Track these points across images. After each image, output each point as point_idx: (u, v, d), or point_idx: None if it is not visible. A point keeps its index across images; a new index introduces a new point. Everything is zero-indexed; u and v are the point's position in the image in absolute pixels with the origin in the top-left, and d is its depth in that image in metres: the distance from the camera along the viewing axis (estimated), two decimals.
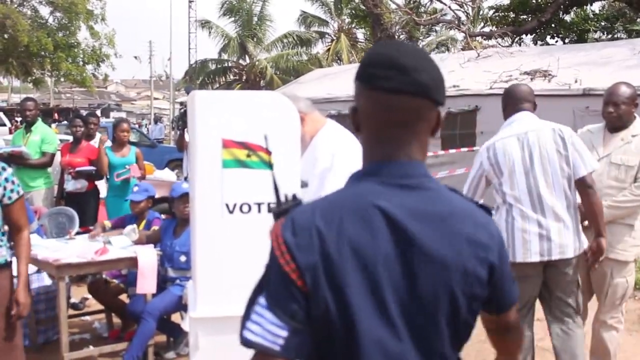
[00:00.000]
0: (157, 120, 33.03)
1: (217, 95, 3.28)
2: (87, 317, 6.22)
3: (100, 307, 6.10)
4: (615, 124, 4.41)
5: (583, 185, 4.01)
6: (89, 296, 6.58)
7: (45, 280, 5.95)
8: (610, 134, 4.45)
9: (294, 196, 1.59)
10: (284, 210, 1.50)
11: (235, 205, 3.04)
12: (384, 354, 1.39)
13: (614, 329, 4.48)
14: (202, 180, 3.04)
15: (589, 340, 4.54)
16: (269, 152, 3.03)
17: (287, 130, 3.05)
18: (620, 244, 4.32)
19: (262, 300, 1.39)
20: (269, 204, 3.05)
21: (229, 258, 3.05)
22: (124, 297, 5.77)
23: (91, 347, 5.27)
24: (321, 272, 1.36)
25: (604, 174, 4.35)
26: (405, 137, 1.47)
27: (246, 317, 1.41)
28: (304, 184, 3.16)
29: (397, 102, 1.44)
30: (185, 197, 5.30)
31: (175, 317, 5.56)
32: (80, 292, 6.79)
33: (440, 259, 1.41)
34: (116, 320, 5.92)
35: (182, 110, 8.77)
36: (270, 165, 3.06)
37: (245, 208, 3.05)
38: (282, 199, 1.58)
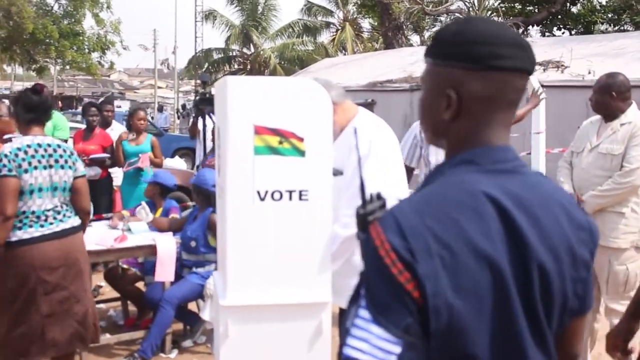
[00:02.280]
0: (161, 108, 32.90)
1: (249, 81, 3.23)
2: (102, 305, 6.19)
3: (114, 294, 6.09)
4: (597, 112, 4.56)
5: None
6: (103, 284, 6.57)
7: None
8: (605, 123, 4.55)
9: (379, 195, 1.51)
10: (371, 211, 1.41)
11: (266, 192, 3.00)
12: None
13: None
14: (234, 167, 2.99)
15: (602, 332, 4.52)
16: (301, 139, 3.01)
17: (320, 118, 3.01)
18: (613, 231, 4.37)
19: (364, 313, 1.21)
20: (300, 192, 3.01)
21: (259, 246, 3.01)
22: (140, 285, 5.75)
23: (107, 335, 5.24)
24: (444, 279, 1.20)
25: (592, 163, 4.51)
26: (509, 119, 1.40)
27: (346, 334, 1.23)
28: (338, 172, 3.13)
29: (519, 81, 1.37)
30: (196, 187, 5.30)
31: (192, 306, 5.54)
32: (94, 280, 6.74)
33: (551, 248, 1.31)
34: (132, 308, 5.90)
35: (198, 98, 8.65)
36: (302, 152, 3.04)
37: (276, 195, 3.01)
38: (367, 197, 1.48)
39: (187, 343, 5.34)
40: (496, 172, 1.34)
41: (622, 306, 4.45)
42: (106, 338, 5.13)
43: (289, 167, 3.00)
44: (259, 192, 3.00)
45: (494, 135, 1.38)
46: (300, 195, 3.02)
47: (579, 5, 22.88)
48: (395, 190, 3.27)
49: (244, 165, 2.98)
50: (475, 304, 1.22)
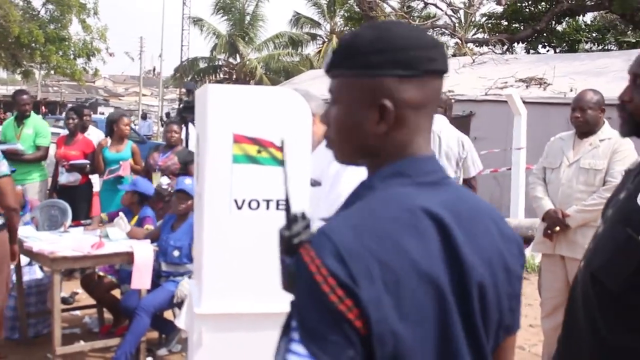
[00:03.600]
0: (145, 116, 32.83)
1: (229, 89, 3.24)
2: (77, 312, 6.14)
3: (90, 301, 6.03)
4: (582, 128, 4.57)
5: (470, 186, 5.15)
6: (79, 290, 6.51)
7: (37, 273, 5.88)
8: (580, 139, 4.62)
9: (304, 214, 1.39)
10: (296, 233, 1.30)
11: (244, 201, 3.01)
12: None
13: None
14: (212, 175, 3.00)
15: None
16: (280, 149, 3.01)
17: (299, 128, 3.02)
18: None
19: (298, 348, 1.08)
20: (277, 202, 3.01)
21: (236, 254, 3.02)
22: (116, 293, 5.71)
23: (82, 342, 5.19)
24: (388, 305, 1.10)
25: (573, 179, 4.55)
26: (431, 125, 1.32)
27: None
28: (316, 183, 3.13)
29: (440, 84, 1.29)
30: (180, 193, 5.26)
31: (167, 314, 5.51)
32: (70, 287, 6.71)
33: (488, 263, 1.24)
34: (107, 315, 5.85)
35: (182, 107, 8.64)
36: (281, 162, 3.03)
37: (254, 204, 3.01)
38: (291, 217, 1.35)
39: (162, 351, 5.29)
40: (428, 184, 1.26)
41: None
42: (80, 345, 5.09)
43: (267, 176, 3.01)
44: (236, 201, 3.00)
45: (422, 144, 1.29)
46: (278, 204, 3.02)
47: (564, 23, 23.10)
48: None
49: (222, 173, 2.99)
50: (420, 328, 1.13)
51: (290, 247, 1.28)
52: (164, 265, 5.17)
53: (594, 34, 23.35)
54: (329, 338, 1.08)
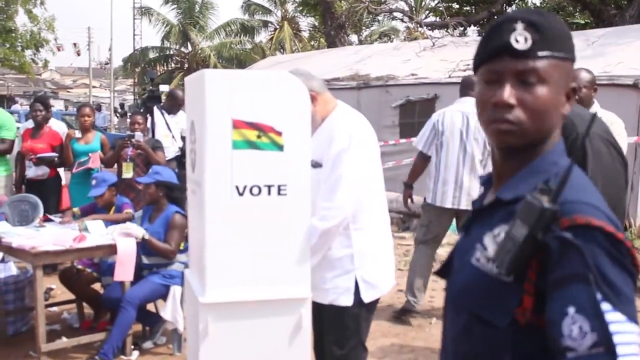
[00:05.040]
0: (99, 108, 32.27)
1: (227, 74, 3.18)
2: (55, 308, 6.02)
3: (67, 296, 5.93)
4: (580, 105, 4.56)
5: None
6: (54, 286, 6.40)
7: (12, 269, 5.76)
8: None
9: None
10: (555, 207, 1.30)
11: (245, 187, 2.96)
12: None
13: None
14: (212, 162, 2.94)
15: None
16: (279, 133, 2.98)
17: (299, 112, 2.98)
18: None
19: (616, 316, 1.19)
20: (279, 187, 2.98)
21: (238, 241, 2.97)
22: (95, 287, 5.62)
23: (64, 339, 5.09)
24: None
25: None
26: None
27: (613, 345, 1.18)
28: (317, 164, 3.12)
29: None
30: (148, 185, 5.20)
31: (149, 306, 5.44)
32: (44, 282, 6.57)
33: None
34: (87, 310, 5.76)
35: (146, 96, 8.50)
36: (280, 147, 3.01)
37: (255, 190, 2.97)
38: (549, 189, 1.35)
39: (148, 344, 5.23)
40: None
41: None
42: (63, 342, 5.00)
43: (268, 161, 2.96)
44: (237, 187, 2.95)
45: None
46: (279, 190, 2.98)
47: (514, 5, 23.34)
48: (371, 185, 3.28)
49: (222, 159, 2.94)
50: None
51: (547, 220, 1.27)
52: (145, 258, 5.10)
53: None
54: (631, 299, 1.23)
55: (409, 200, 6.04)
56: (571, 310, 1.20)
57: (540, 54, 1.36)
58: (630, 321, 1.19)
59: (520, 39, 1.36)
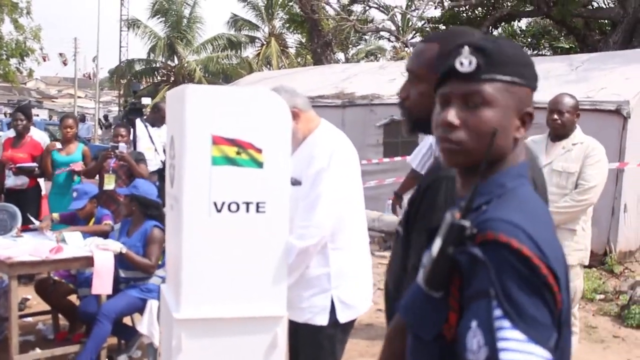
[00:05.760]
0: (83, 118, 32.13)
1: (208, 90, 3.18)
2: (30, 319, 5.97)
3: (42, 307, 5.88)
4: (559, 131, 4.66)
5: None
6: (30, 296, 6.34)
7: None
8: (553, 142, 4.72)
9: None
10: (464, 224, 1.33)
11: (223, 203, 2.95)
12: None
13: None
14: (190, 178, 2.93)
15: None
16: (259, 151, 2.98)
17: (279, 129, 2.98)
18: (564, 248, 4.42)
19: (515, 334, 1.19)
20: (257, 204, 2.97)
21: (215, 258, 2.96)
22: (71, 298, 5.57)
23: (38, 350, 5.04)
24: (563, 284, 1.30)
25: (546, 181, 4.53)
26: None
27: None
28: (296, 182, 3.12)
29: None
30: (128, 196, 5.17)
31: (126, 320, 5.40)
32: (20, 293, 6.50)
33: None
34: (62, 321, 5.71)
35: (128, 108, 8.50)
36: (260, 164, 3.01)
37: (233, 207, 2.96)
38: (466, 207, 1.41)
39: (122, 358, 5.18)
40: (530, 185, 1.48)
41: None
42: (37, 353, 4.95)
43: (247, 178, 2.96)
44: (215, 204, 2.94)
45: (525, 150, 1.53)
46: (258, 207, 2.98)
47: (500, 29, 23.53)
48: (351, 205, 3.28)
49: (200, 175, 2.93)
50: (566, 299, 1.32)
51: (461, 237, 1.30)
52: (122, 271, 5.06)
53: (528, 39, 23.86)
54: (541, 321, 1.21)
55: (397, 208, 6.03)
56: (474, 324, 1.23)
57: (484, 76, 1.41)
58: (531, 342, 1.18)
59: (465, 62, 1.41)
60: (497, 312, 1.21)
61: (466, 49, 1.42)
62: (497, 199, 1.38)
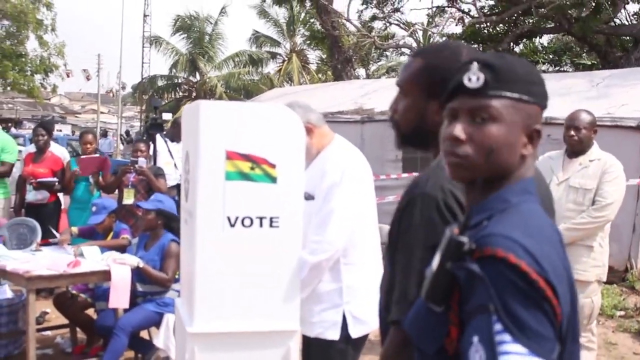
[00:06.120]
0: (105, 134, 32.43)
1: (222, 106, 3.22)
2: (49, 332, 6.02)
3: (61, 321, 5.92)
4: (576, 147, 4.61)
5: None
6: (49, 310, 6.39)
7: (7, 292, 5.75)
8: (569, 159, 4.67)
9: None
10: (463, 240, 1.34)
11: (237, 218, 2.97)
12: None
13: (585, 349, 4.55)
14: (204, 192, 2.96)
15: None
16: (273, 166, 3.00)
17: (293, 145, 3.01)
18: (580, 264, 4.41)
19: (516, 347, 1.20)
20: (270, 219, 2.99)
21: (228, 272, 2.98)
22: (89, 312, 5.61)
23: None
24: (566, 303, 1.30)
25: (562, 197, 4.57)
26: None
27: None
28: (310, 197, 3.12)
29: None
30: (148, 211, 5.21)
31: (143, 333, 5.42)
32: (39, 306, 6.56)
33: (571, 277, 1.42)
34: (80, 335, 5.75)
35: (149, 124, 8.60)
36: (274, 179, 3.03)
37: (247, 222, 2.98)
38: (464, 225, 1.45)
39: None
40: (537, 201, 1.46)
41: (583, 339, 4.53)
42: None
43: (260, 193, 2.98)
44: (229, 218, 2.97)
45: (533, 167, 1.51)
46: (271, 222, 3.00)
47: (521, 45, 23.48)
48: (363, 220, 3.29)
49: (214, 190, 2.96)
50: (567, 314, 1.32)
51: (459, 253, 1.32)
52: (140, 285, 5.09)
53: (550, 56, 23.76)
54: (542, 334, 1.22)
55: None
56: (475, 339, 1.24)
57: (492, 92, 1.42)
58: (532, 355, 1.19)
59: (473, 77, 1.43)
60: (498, 327, 1.21)
61: (475, 64, 1.43)
62: (500, 215, 1.38)
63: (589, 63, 21.48)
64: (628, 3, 17.49)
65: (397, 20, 19.27)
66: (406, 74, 1.96)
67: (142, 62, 39.45)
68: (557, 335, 1.25)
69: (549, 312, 1.24)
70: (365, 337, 3.32)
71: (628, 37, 17.82)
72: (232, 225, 2.98)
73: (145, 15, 40.04)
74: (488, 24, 21.83)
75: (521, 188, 1.44)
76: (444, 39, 24.49)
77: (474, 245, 1.30)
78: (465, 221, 1.35)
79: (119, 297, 4.80)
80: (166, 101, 35.34)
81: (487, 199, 1.43)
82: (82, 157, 7.37)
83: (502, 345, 1.20)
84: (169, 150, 8.44)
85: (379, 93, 13.09)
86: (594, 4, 15.56)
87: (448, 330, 1.35)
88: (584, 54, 23.11)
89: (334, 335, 3.19)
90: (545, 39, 24.65)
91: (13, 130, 24.27)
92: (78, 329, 5.72)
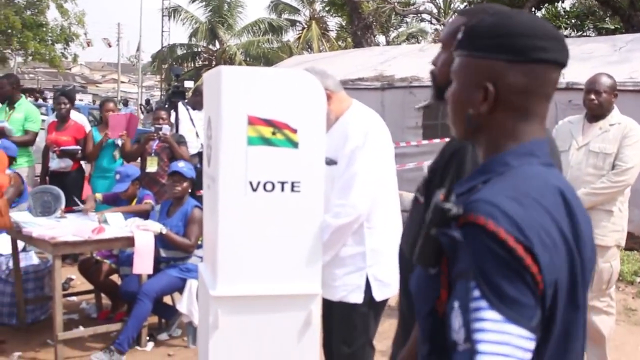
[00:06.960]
0: (126, 103, 32.53)
1: (243, 71, 3.22)
2: (74, 298, 6.12)
3: (86, 287, 6.02)
4: (596, 111, 4.56)
5: None
6: (74, 276, 6.49)
7: (33, 259, 5.85)
8: (590, 123, 4.62)
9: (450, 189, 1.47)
10: (450, 206, 1.30)
11: (259, 183, 2.99)
12: (581, 346, 1.37)
13: (604, 313, 4.56)
14: (226, 157, 2.98)
15: None
16: (294, 131, 3.01)
17: (314, 110, 3.01)
18: (599, 229, 4.38)
19: (491, 314, 1.18)
20: (292, 184, 3.01)
21: (250, 236, 3.01)
22: (114, 278, 5.69)
23: (81, 328, 5.18)
24: (551, 264, 1.24)
25: (582, 162, 4.55)
26: (546, 112, 1.42)
27: (471, 341, 1.19)
28: (331, 162, 3.14)
29: (556, 75, 1.39)
30: (175, 175, 5.24)
31: (166, 299, 5.50)
32: (64, 272, 6.64)
33: (589, 241, 1.38)
34: (105, 300, 5.84)
35: (171, 92, 8.63)
36: (295, 144, 3.04)
37: (269, 186, 3.00)
38: (448, 189, 1.38)
39: (163, 336, 5.30)
40: (549, 165, 1.40)
41: (602, 303, 4.54)
42: (80, 331, 5.09)
43: (282, 158, 3.00)
44: (251, 183, 2.99)
45: (536, 128, 1.41)
46: (293, 186, 3.02)
47: (543, 10, 23.16)
48: (385, 184, 3.30)
49: (236, 155, 2.97)
50: (562, 281, 1.28)
51: (445, 218, 1.30)
52: (163, 251, 5.15)
53: (572, 20, 23.42)
54: (521, 301, 1.19)
55: None
56: (456, 304, 1.24)
57: (456, 53, 1.44)
58: (508, 322, 1.18)
59: (458, 39, 1.46)
60: (476, 293, 1.20)
61: (462, 28, 1.46)
62: (496, 178, 1.34)
63: (612, 27, 21.17)
64: None
65: None
66: (447, 30, 2.05)
67: (162, 31, 39.35)
68: (538, 303, 1.23)
69: (529, 280, 1.21)
70: (385, 301, 3.35)
71: None
72: (254, 190, 2.99)
73: None
74: None
75: (526, 151, 1.38)
76: (464, 4, 24.26)
77: (461, 211, 1.28)
78: (449, 187, 1.34)
79: (143, 263, 4.86)
80: (186, 70, 35.35)
81: (487, 161, 1.41)
82: (112, 114, 7.40)
83: (478, 311, 1.19)
84: (191, 118, 8.46)
85: (398, 60, 13.01)
86: None
87: (439, 292, 1.35)
88: (607, 18, 22.76)
89: (357, 298, 3.22)
90: (567, 3, 24.28)
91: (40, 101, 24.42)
92: (103, 295, 5.81)
